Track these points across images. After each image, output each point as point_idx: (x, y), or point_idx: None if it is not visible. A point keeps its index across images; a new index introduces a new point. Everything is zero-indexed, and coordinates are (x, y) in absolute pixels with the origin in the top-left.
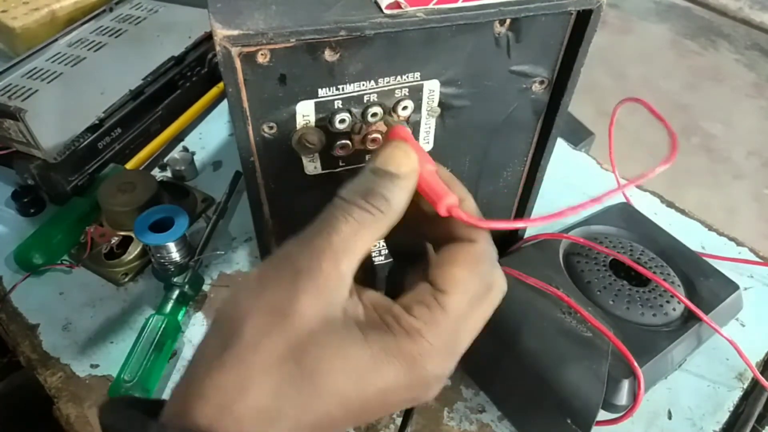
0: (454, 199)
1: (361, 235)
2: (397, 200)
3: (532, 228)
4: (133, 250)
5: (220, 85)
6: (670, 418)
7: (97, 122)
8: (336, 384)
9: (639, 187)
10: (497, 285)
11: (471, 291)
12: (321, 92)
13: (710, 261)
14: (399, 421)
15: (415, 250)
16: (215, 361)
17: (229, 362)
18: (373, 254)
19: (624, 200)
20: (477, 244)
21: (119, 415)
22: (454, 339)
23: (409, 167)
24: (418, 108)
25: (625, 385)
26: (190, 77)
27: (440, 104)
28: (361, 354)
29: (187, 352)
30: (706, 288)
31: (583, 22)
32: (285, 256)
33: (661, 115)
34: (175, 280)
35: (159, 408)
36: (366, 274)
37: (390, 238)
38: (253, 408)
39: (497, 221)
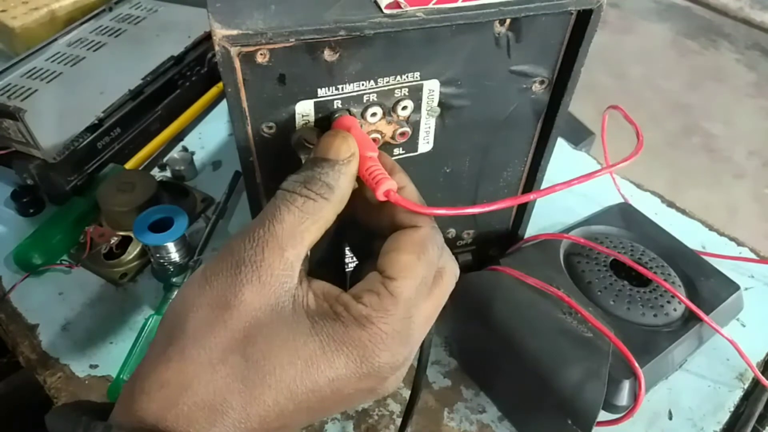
0: (393, 184)
1: (305, 223)
2: (339, 185)
3: (531, 228)
4: (133, 250)
5: (220, 84)
6: (670, 418)
7: (96, 122)
8: (284, 374)
9: (639, 187)
10: (448, 270)
11: (419, 276)
12: (320, 92)
13: (711, 261)
14: (399, 421)
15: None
16: (160, 357)
17: (173, 357)
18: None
19: (622, 199)
20: (421, 229)
21: (64, 418)
22: (406, 326)
23: (347, 152)
24: (417, 108)
25: (626, 385)
26: (189, 77)
27: (440, 104)
28: (309, 343)
29: None
30: (706, 288)
31: (583, 22)
32: (228, 250)
33: (633, 120)
34: (174, 280)
35: (111, 410)
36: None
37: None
38: (198, 402)
39: (437, 207)
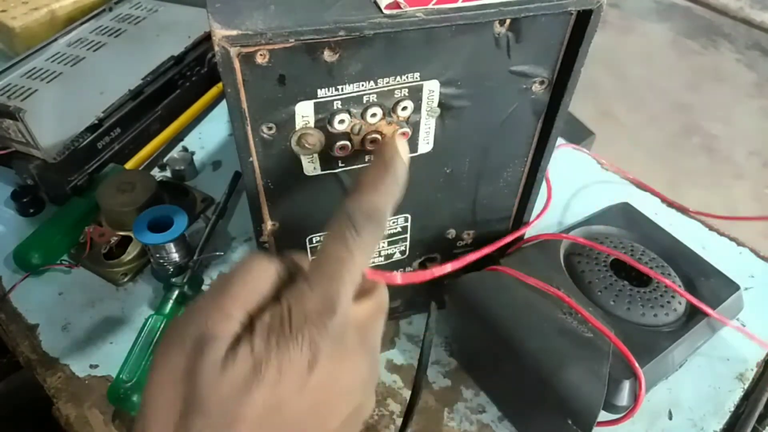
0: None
1: None
2: None
3: (531, 228)
4: (133, 251)
5: (220, 84)
6: (670, 418)
7: (96, 122)
8: None
9: (639, 186)
10: None
11: None
12: (320, 93)
13: (711, 261)
14: (399, 421)
15: None
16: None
17: None
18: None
19: (625, 201)
20: None
21: None
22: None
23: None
24: (417, 108)
25: (626, 385)
26: (189, 77)
27: (440, 104)
28: None
29: None
30: (707, 288)
31: (583, 22)
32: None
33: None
34: (174, 280)
35: None
36: None
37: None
38: None
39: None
